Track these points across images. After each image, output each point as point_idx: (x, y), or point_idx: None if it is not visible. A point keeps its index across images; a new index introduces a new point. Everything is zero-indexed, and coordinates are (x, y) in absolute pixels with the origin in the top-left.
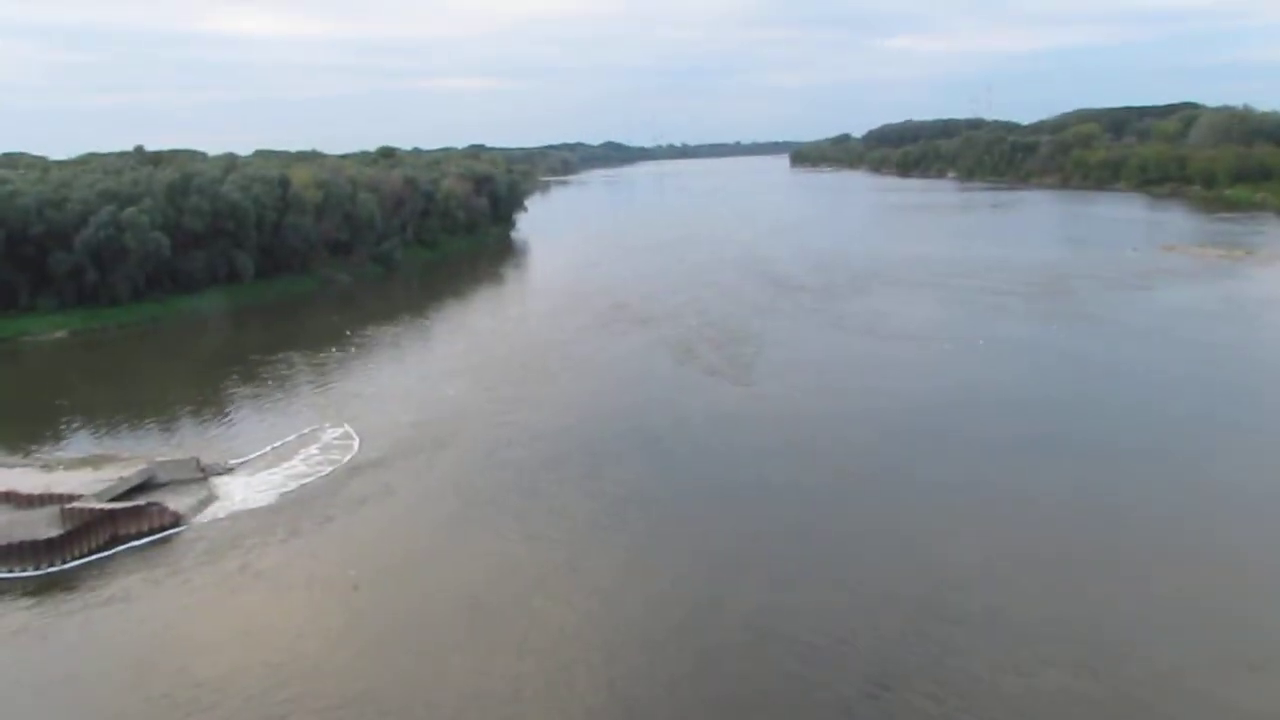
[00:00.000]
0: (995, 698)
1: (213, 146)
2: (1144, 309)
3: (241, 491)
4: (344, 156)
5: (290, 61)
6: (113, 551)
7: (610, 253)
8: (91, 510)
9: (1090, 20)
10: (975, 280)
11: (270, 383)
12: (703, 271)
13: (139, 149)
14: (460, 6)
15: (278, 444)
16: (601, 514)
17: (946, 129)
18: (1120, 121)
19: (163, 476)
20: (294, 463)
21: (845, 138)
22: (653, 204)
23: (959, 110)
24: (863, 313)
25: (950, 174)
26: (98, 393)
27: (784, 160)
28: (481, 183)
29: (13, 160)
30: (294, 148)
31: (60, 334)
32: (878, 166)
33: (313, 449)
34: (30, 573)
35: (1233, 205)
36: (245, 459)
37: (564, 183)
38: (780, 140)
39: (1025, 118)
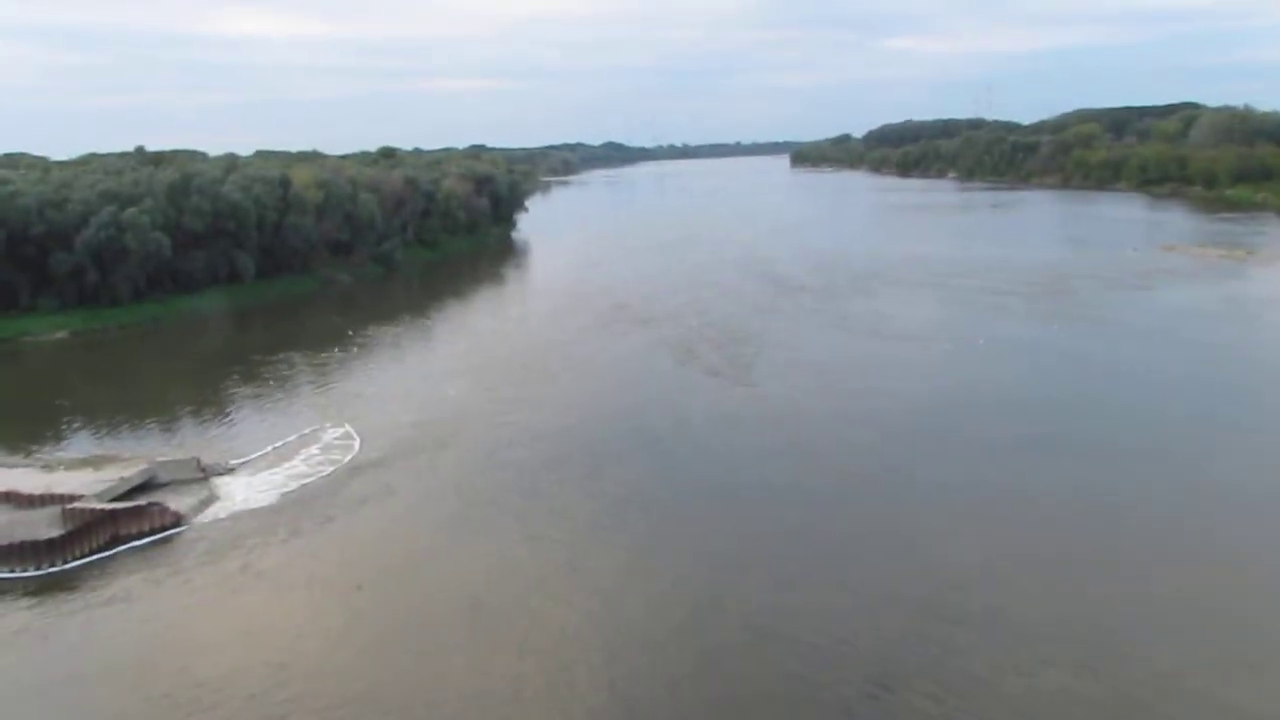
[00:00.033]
0: (995, 698)
1: (213, 147)
2: (1144, 309)
3: (242, 491)
4: (345, 157)
5: (291, 62)
6: (114, 551)
7: (611, 253)
8: (92, 510)
9: (1091, 20)
10: (976, 280)
11: (271, 383)
12: (703, 272)
13: (140, 149)
14: (460, 7)
15: (279, 444)
16: (602, 514)
17: (947, 129)
18: (1121, 121)
19: (164, 477)
20: (295, 463)
21: (846, 138)
22: (653, 204)
23: (959, 110)
24: (863, 313)
25: (951, 174)
26: (99, 393)
27: (784, 160)
28: (482, 183)
29: (14, 161)
30: (295, 148)
31: (61, 334)
32: (878, 167)
33: (314, 449)
34: (31, 573)
35: (1233, 205)
36: (246, 459)
37: (565, 183)
38: (781, 140)
39: (1026, 118)
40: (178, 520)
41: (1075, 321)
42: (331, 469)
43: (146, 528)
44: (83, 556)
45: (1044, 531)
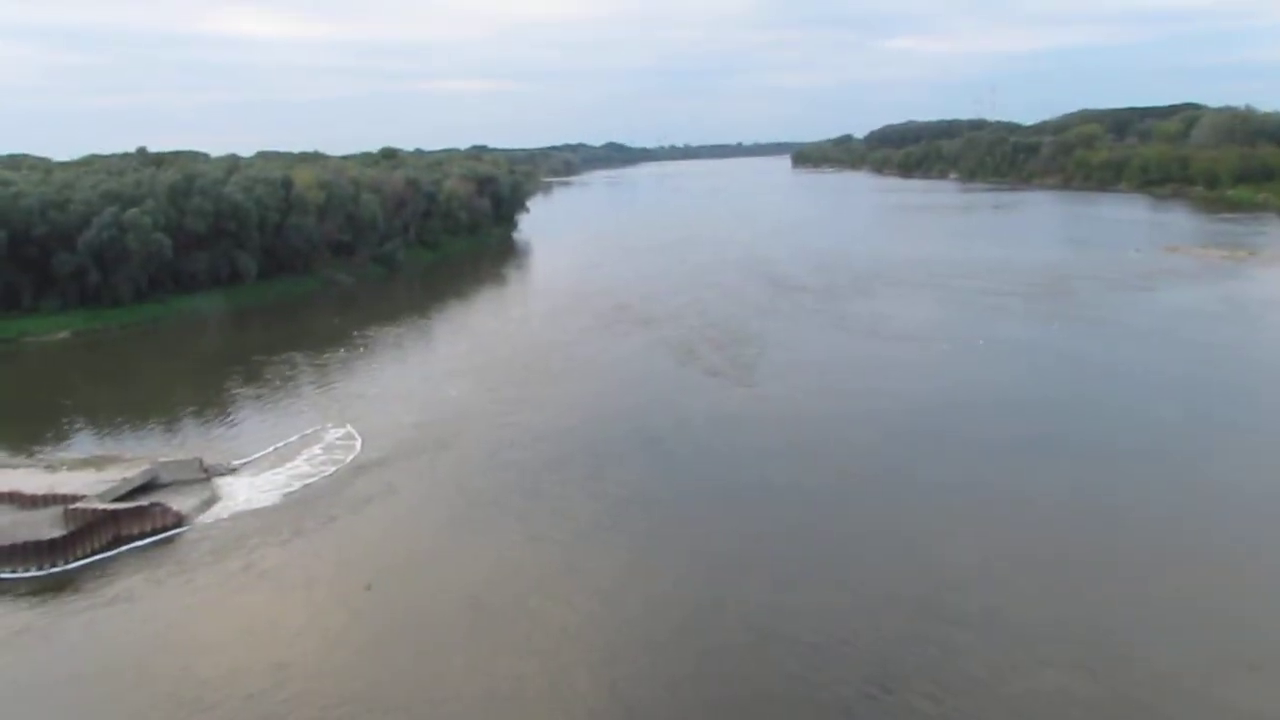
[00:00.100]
0: (994, 698)
1: (214, 147)
2: (1146, 310)
3: (244, 492)
4: (346, 158)
5: (292, 63)
6: (116, 552)
7: (612, 254)
8: (95, 511)
9: (1092, 20)
10: (976, 281)
11: (273, 383)
12: (704, 272)
13: (141, 150)
14: (461, 9)
15: (280, 444)
16: (604, 515)
17: (948, 130)
18: (1122, 122)
19: (166, 477)
20: (297, 463)
21: (847, 138)
22: (654, 204)
23: (961, 111)
24: (864, 314)
25: (952, 175)
26: (100, 393)
27: (786, 161)
28: (484, 184)
29: (15, 162)
30: (295, 149)
31: (63, 334)
32: (880, 167)
33: (315, 449)
34: (34, 573)
35: (1235, 206)
36: (248, 459)
37: (566, 184)
38: (782, 141)
39: (1027, 118)
40: (180, 520)
41: (1075, 322)
42: (333, 469)
43: (148, 528)
44: (85, 557)
45: (1042, 532)
